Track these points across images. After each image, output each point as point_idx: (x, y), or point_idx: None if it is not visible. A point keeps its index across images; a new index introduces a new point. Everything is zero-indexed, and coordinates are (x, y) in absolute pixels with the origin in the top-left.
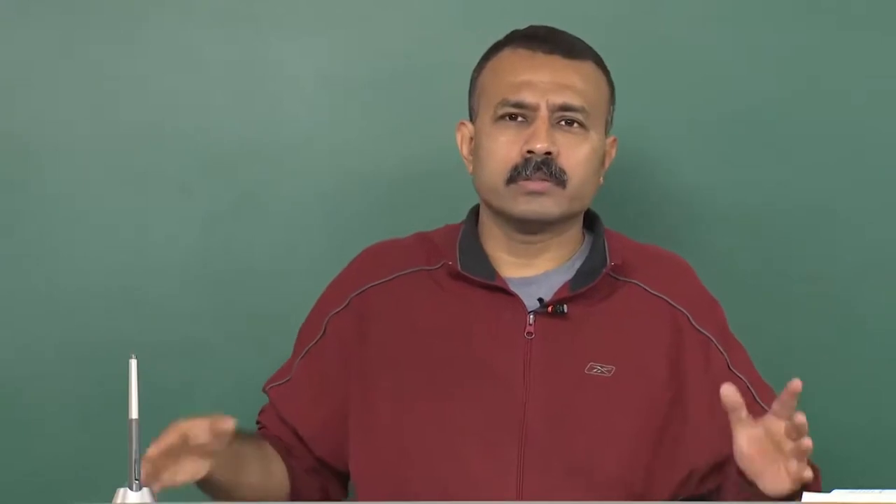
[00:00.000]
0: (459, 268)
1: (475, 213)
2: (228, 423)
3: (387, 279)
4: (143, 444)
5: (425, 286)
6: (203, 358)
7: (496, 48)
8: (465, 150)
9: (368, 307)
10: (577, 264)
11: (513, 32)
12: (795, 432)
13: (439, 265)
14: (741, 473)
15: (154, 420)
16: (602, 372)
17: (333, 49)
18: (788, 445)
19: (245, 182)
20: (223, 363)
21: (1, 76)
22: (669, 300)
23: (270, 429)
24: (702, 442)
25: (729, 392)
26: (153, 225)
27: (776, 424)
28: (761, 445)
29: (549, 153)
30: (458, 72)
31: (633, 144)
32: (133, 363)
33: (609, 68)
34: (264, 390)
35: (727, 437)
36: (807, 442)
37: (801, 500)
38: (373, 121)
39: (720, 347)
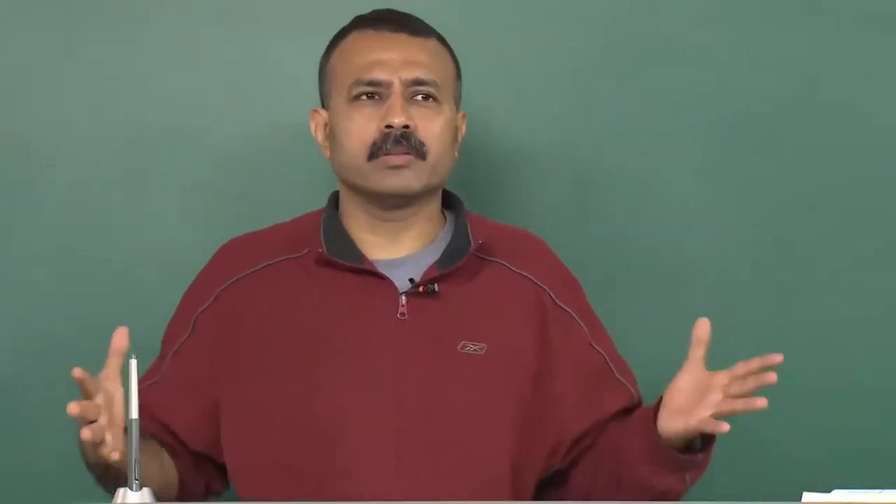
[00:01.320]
0: (326, 253)
1: (335, 198)
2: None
3: (255, 269)
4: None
5: (294, 274)
6: None
7: (341, 34)
8: (319, 137)
9: (238, 298)
10: (442, 245)
11: (356, 17)
12: (739, 386)
13: (304, 252)
14: (655, 414)
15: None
16: (475, 350)
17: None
18: (717, 398)
19: (245, 182)
20: None
21: (1, 76)
22: (533, 278)
23: (148, 427)
24: (567, 414)
25: (703, 328)
26: (153, 225)
27: (721, 377)
28: (698, 388)
29: (406, 126)
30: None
31: (632, 145)
32: (133, 363)
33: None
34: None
35: (590, 408)
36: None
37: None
38: None
39: (580, 322)
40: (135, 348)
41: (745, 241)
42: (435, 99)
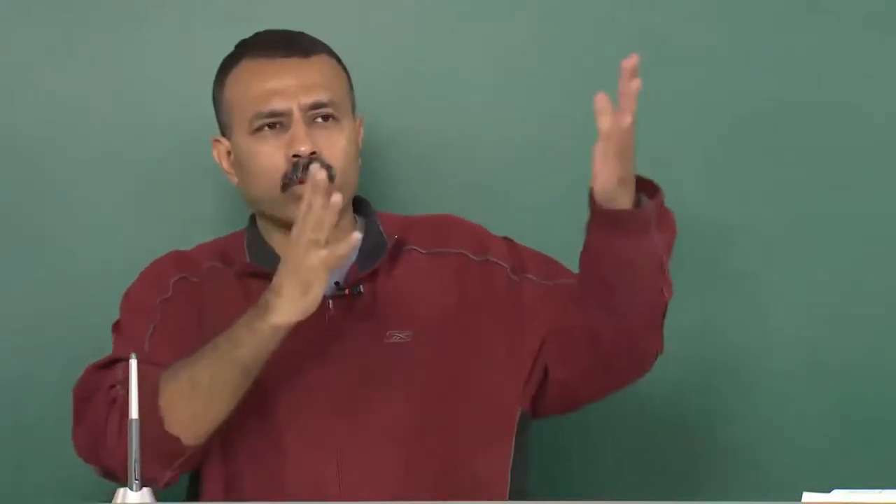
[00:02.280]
0: (251, 263)
1: (253, 219)
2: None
3: (198, 276)
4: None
5: (227, 284)
6: None
7: (232, 61)
8: (225, 165)
9: (186, 298)
10: (357, 247)
11: (242, 42)
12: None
13: (235, 265)
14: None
15: None
16: (402, 338)
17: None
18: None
19: None
20: None
21: (1, 76)
22: (446, 250)
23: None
24: (495, 364)
25: (628, 65)
26: (153, 225)
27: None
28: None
29: (313, 153)
30: (459, 73)
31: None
32: (133, 363)
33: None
34: (124, 358)
35: (519, 351)
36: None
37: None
38: (373, 121)
39: (499, 261)
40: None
41: (745, 240)
42: (335, 118)
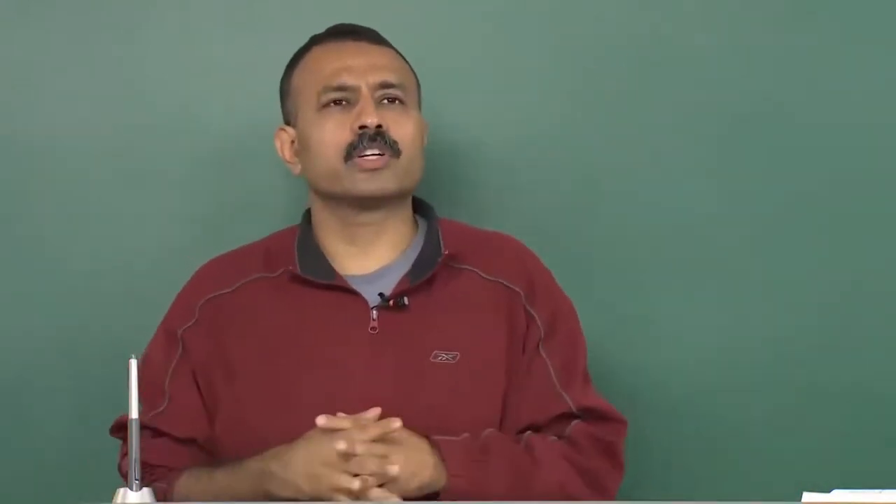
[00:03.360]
0: (300, 271)
1: (308, 215)
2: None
3: (231, 289)
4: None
5: (268, 292)
6: None
7: (302, 51)
8: (286, 155)
9: (215, 317)
10: (413, 256)
11: (313, 36)
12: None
13: (280, 272)
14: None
15: None
16: (447, 359)
17: None
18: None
19: (245, 181)
20: None
21: (1, 76)
22: (504, 282)
23: (171, 460)
24: (511, 408)
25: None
26: (153, 225)
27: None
28: None
29: (380, 126)
30: (459, 73)
31: (631, 145)
32: (133, 363)
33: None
34: (146, 424)
35: (525, 410)
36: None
37: None
38: None
39: (541, 326)
40: (135, 348)
41: (747, 240)
42: (402, 102)
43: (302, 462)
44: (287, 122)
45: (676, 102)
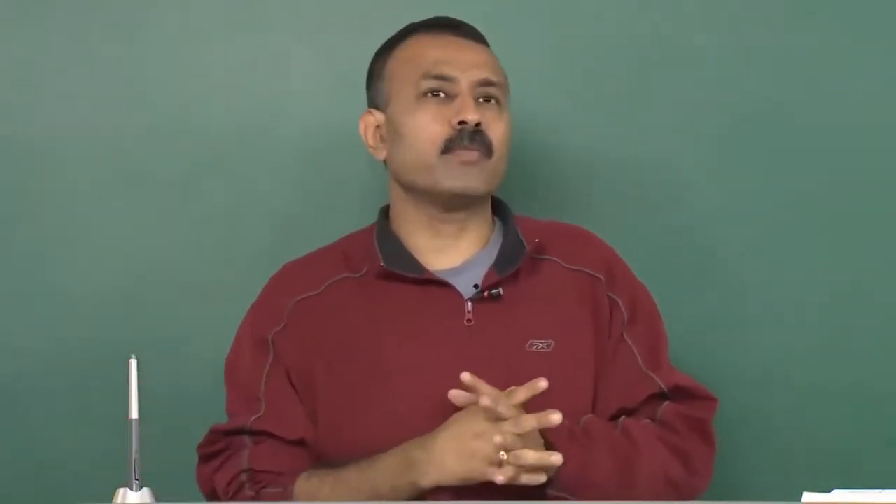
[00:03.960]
0: (387, 267)
1: (385, 212)
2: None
3: (317, 291)
4: (143, 444)
5: (356, 291)
6: (202, 358)
7: (400, 37)
8: (370, 139)
9: (306, 319)
10: (494, 249)
11: (411, 24)
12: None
13: (363, 271)
14: None
15: (153, 420)
16: (542, 347)
17: (334, 49)
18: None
19: (245, 182)
20: (223, 363)
21: (1, 76)
22: (585, 269)
23: (278, 464)
24: (600, 394)
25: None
26: (153, 225)
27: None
28: None
29: (479, 123)
30: None
31: (631, 144)
32: (133, 363)
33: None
34: (248, 429)
35: (614, 395)
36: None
37: None
38: None
39: (624, 310)
40: (134, 348)
41: (747, 240)
42: (498, 102)
43: (450, 440)
44: (374, 106)
45: (676, 102)
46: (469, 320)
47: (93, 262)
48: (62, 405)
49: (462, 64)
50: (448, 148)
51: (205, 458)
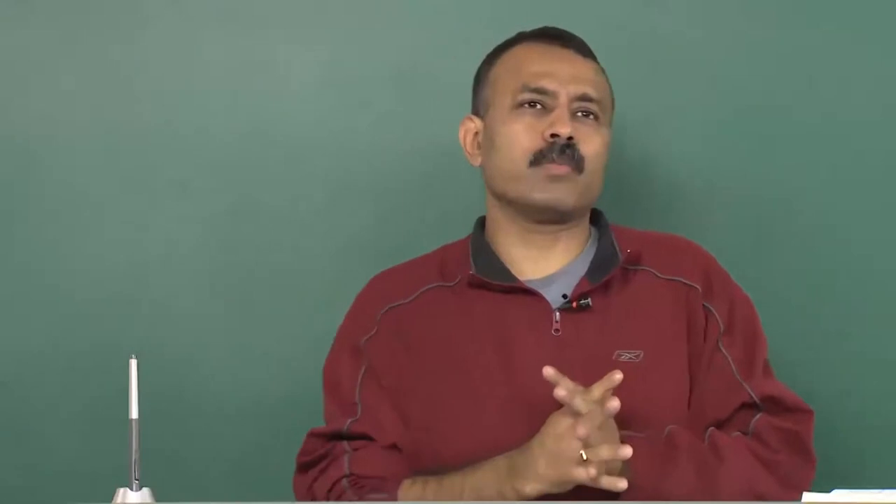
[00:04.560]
0: (478, 275)
1: (481, 222)
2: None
3: (409, 299)
4: (143, 444)
5: (447, 300)
6: (202, 358)
7: (508, 45)
8: (468, 145)
9: (396, 326)
10: (588, 258)
11: (521, 33)
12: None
13: (457, 280)
14: None
15: (153, 420)
16: (631, 358)
17: (334, 49)
18: None
19: (245, 182)
20: (223, 363)
21: (1, 76)
22: (682, 279)
23: (382, 468)
24: (694, 406)
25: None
26: (153, 225)
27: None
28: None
29: (571, 138)
30: (459, 73)
31: (631, 144)
32: (133, 363)
33: (605, 69)
34: (346, 432)
35: (708, 407)
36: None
37: None
38: (373, 121)
39: (720, 321)
40: (135, 348)
41: (738, 242)
42: (596, 118)
43: (540, 445)
44: (475, 112)
45: (676, 102)
46: (556, 330)
47: (93, 262)
48: (62, 405)
49: (562, 77)
50: (537, 160)
51: (303, 468)
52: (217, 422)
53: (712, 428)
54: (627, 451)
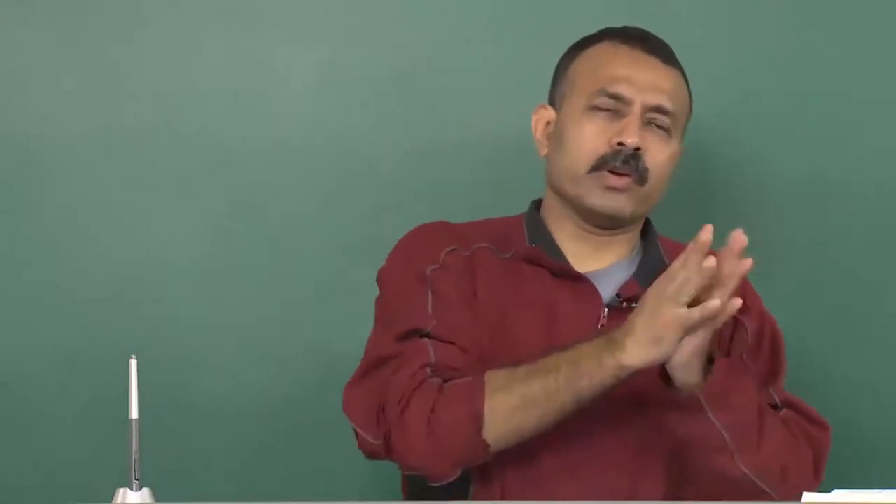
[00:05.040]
0: (534, 247)
1: (536, 205)
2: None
3: (468, 252)
4: (143, 444)
5: (500, 267)
6: (203, 358)
7: (592, 40)
8: (538, 133)
9: (458, 267)
10: (636, 259)
11: (607, 29)
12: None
13: (510, 254)
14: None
15: (154, 420)
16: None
17: (334, 50)
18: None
19: (245, 182)
20: (223, 363)
21: (1, 76)
22: None
23: (465, 365)
24: None
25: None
26: (153, 225)
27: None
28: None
29: (638, 148)
30: (459, 73)
31: None
32: (133, 363)
33: None
34: (426, 331)
35: None
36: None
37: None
38: (373, 121)
39: (749, 336)
40: (135, 347)
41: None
42: (668, 130)
43: (640, 310)
44: (551, 102)
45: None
46: (602, 325)
47: (93, 262)
48: (62, 405)
49: (640, 84)
50: (599, 165)
51: (367, 371)
52: (217, 422)
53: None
54: (738, 302)
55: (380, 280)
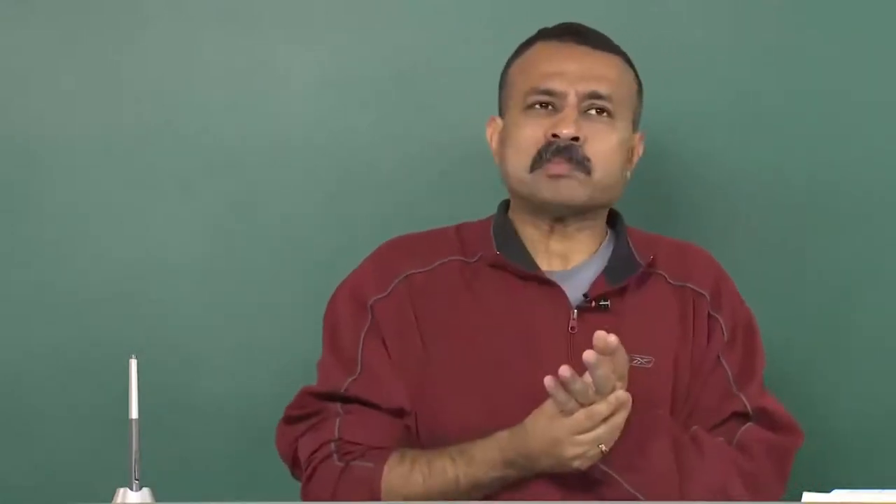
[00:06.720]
0: (502, 256)
1: (505, 206)
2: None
3: (427, 268)
4: (143, 444)
5: (465, 276)
6: (203, 358)
7: (527, 44)
8: (493, 145)
9: (410, 294)
10: (605, 256)
11: (541, 30)
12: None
13: (477, 258)
14: None
15: (154, 420)
16: (643, 364)
17: (334, 50)
18: None
19: (245, 182)
20: (223, 363)
21: (1, 76)
22: (692, 286)
23: (370, 438)
24: (684, 410)
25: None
26: (153, 225)
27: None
28: None
29: (575, 139)
30: (459, 73)
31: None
32: (133, 363)
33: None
34: (341, 394)
35: (700, 417)
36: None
37: None
38: (373, 121)
39: (724, 332)
40: (135, 348)
41: (744, 238)
42: (609, 114)
43: (535, 419)
44: (500, 113)
45: (676, 101)
46: (572, 328)
47: (93, 262)
48: (62, 405)
49: (571, 76)
50: (536, 162)
51: (291, 420)
52: (217, 422)
53: (697, 427)
54: (613, 340)
55: (329, 302)
